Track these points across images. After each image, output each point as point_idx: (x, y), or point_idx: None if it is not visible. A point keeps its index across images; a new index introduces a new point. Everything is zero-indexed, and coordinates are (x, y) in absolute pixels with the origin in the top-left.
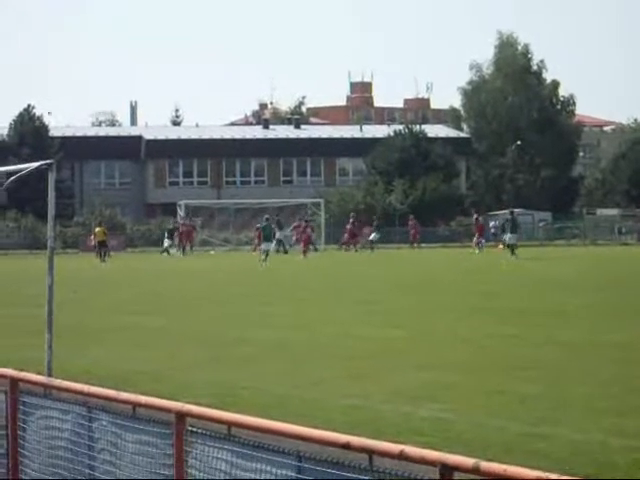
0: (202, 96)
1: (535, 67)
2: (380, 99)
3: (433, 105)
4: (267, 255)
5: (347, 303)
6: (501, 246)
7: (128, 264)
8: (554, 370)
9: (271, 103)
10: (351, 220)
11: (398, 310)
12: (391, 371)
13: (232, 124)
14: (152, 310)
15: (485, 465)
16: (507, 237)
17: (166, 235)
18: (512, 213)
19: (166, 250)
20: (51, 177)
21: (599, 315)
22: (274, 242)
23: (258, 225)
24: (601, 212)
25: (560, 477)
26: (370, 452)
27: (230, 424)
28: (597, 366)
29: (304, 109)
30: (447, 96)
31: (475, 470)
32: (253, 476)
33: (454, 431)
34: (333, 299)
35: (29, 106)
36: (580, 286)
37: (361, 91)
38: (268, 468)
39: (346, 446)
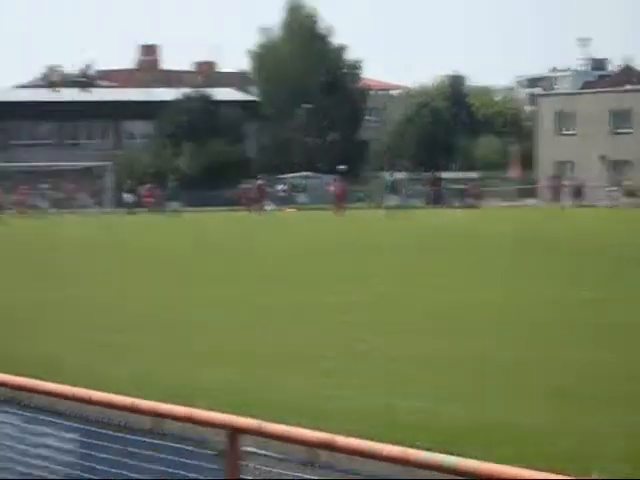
0: None
1: (322, 31)
2: (169, 62)
3: (222, 69)
4: None
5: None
6: (290, 209)
7: None
8: None
9: (59, 66)
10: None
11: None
12: None
13: (20, 86)
14: None
15: (269, 426)
16: None
17: None
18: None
19: None
20: None
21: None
22: None
23: None
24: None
25: (347, 438)
26: (157, 415)
27: (16, 387)
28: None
29: (93, 72)
30: (236, 60)
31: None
32: (39, 440)
33: (242, 393)
34: None
35: None
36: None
37: (150, 54)
38: (54, 432)
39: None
